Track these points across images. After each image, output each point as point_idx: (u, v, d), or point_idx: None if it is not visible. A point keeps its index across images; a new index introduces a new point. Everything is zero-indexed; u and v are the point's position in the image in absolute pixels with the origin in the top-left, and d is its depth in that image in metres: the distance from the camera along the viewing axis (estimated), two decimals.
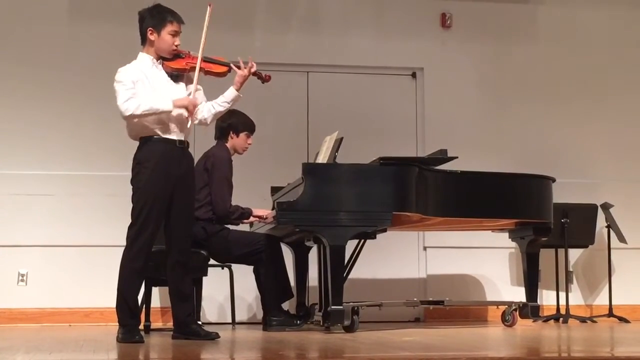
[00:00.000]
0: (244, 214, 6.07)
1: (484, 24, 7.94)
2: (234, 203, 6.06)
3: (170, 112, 4.81)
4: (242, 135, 6.17)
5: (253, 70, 5.05)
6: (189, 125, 4.97)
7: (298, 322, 5.96)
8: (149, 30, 4.88)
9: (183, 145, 4.94)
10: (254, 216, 6.13)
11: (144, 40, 4.93)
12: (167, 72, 4.93)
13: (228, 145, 6.16)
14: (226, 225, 6.09)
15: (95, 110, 7.16)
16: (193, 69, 4.91)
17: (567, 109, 7.94)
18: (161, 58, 4.93)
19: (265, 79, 5.14)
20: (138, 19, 4.94)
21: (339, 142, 5.79)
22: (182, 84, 4.98)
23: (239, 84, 5.04)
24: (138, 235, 4.78)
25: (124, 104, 4.76)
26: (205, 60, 4.93)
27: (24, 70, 7.26)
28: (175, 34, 4.90)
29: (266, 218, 6.04)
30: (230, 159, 6.10)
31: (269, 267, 5.97)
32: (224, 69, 5.00)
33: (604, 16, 8.11)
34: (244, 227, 6.40)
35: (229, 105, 5.10)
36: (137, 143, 4.94)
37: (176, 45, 4.91)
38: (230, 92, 5.06)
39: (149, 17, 4.90)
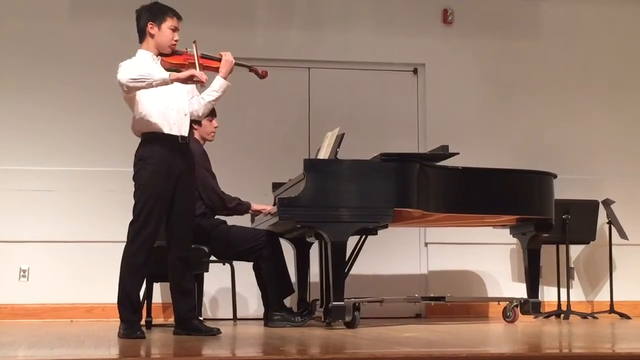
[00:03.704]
0: (242, 205, 6.08)
1: (485, 19, 7.94)
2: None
3: (168, 82, 4.74)
4: (204, 121, 6.03)
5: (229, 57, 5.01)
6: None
7: (299, 319, 5.95)
8: (150, 24, 4.90)
9: (185, 141, 4.95)
10: (253, 210, 6.14)
11: (143, 36, 4.95)
12: (165, 69, 4.91)
13: (196, 136, 6.09)
14: (225, 220, 6.10)
15: (97, 106, 7.17)
16: (191, 65, 4.92)
17: (568, 105, 7.94)
18: (160, 54, 4.94)
19: (262, 75, 5.15)
20: (136, 17, 4.97)
21: (340, 138, 5.78)
22: None
23: (223, 69, 4.98)
24: (139, 231, 4.78)
25: (121, 73, 4.75)
26: (202, 57, 4.96)
27: (26, 66, 7.25)
28: (174, 30, 4.94)
29: (265, 214, 6.06)
30: (204, 151, 6.05)
31: (269, 263, 5.97)
32: (220, 64, 5.02)
33: (606, 12, 8.10)
34: (244, 223, 6.41)
35: (218, 95, 5.03)
36: (139, 139, 4.94)
37: (175, 41, 4.93)
38: (217, 81, 5.02)
39: (149, 12, 4.94)
